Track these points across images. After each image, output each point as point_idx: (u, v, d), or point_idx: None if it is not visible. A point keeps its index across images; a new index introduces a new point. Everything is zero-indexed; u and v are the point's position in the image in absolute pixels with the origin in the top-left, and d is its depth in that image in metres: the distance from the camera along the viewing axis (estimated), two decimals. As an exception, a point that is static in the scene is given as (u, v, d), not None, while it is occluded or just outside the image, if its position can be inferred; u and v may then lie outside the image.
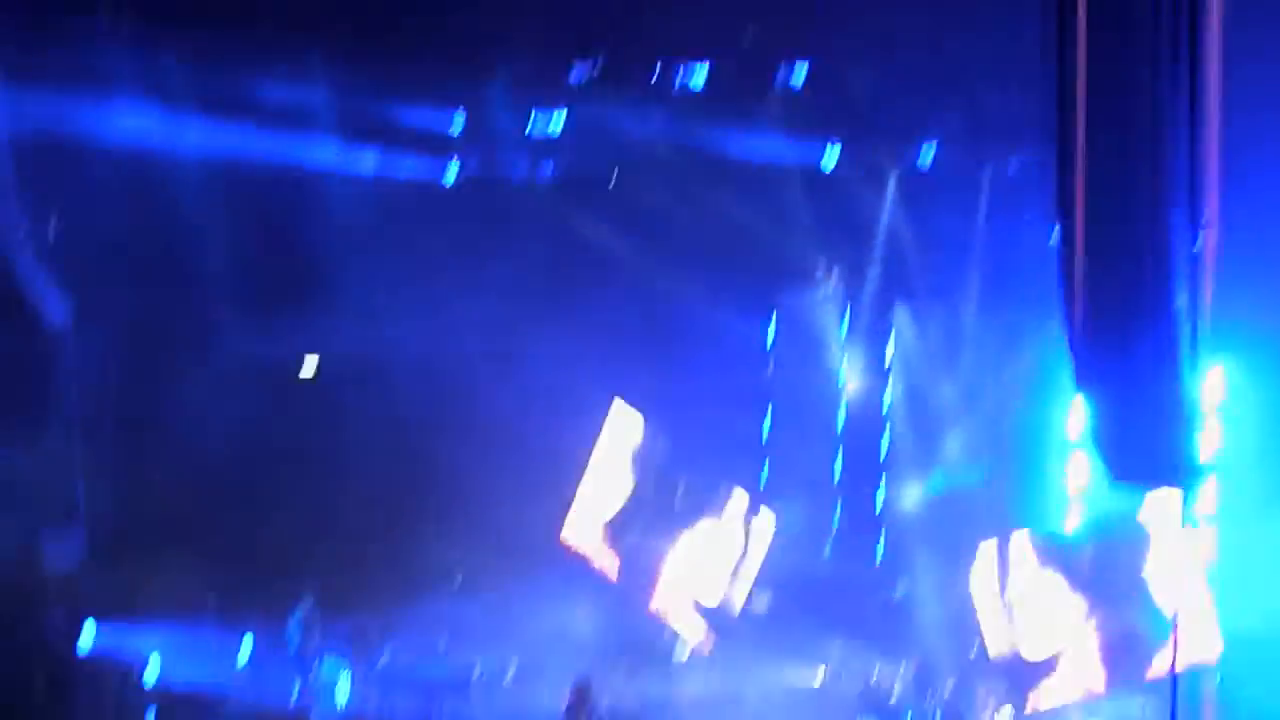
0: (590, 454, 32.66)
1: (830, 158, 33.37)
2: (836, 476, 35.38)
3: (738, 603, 30.68)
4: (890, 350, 34.94)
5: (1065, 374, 12.99)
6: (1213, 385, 27.24)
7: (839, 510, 35.27)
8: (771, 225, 33.39)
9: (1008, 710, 26.61)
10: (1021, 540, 26.97)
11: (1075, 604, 26.82)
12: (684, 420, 33.31)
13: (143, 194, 32.16)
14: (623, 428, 31.74)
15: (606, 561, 33.25)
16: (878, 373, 35.14)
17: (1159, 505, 25.31)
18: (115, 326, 32.70)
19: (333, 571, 32.26)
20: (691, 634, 30.98)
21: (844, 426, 35.45)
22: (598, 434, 32.92)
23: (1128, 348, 12.49)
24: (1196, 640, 25.21)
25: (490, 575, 32.77)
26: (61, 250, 31.83)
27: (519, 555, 32.84)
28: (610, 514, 33.01)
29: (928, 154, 32.60)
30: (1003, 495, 31.42)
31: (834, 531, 35.07)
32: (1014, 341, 31.12)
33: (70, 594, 30.44)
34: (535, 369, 33.08)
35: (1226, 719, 23.04)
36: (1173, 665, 22.70)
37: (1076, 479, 30.26)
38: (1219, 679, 23.22)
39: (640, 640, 31.99)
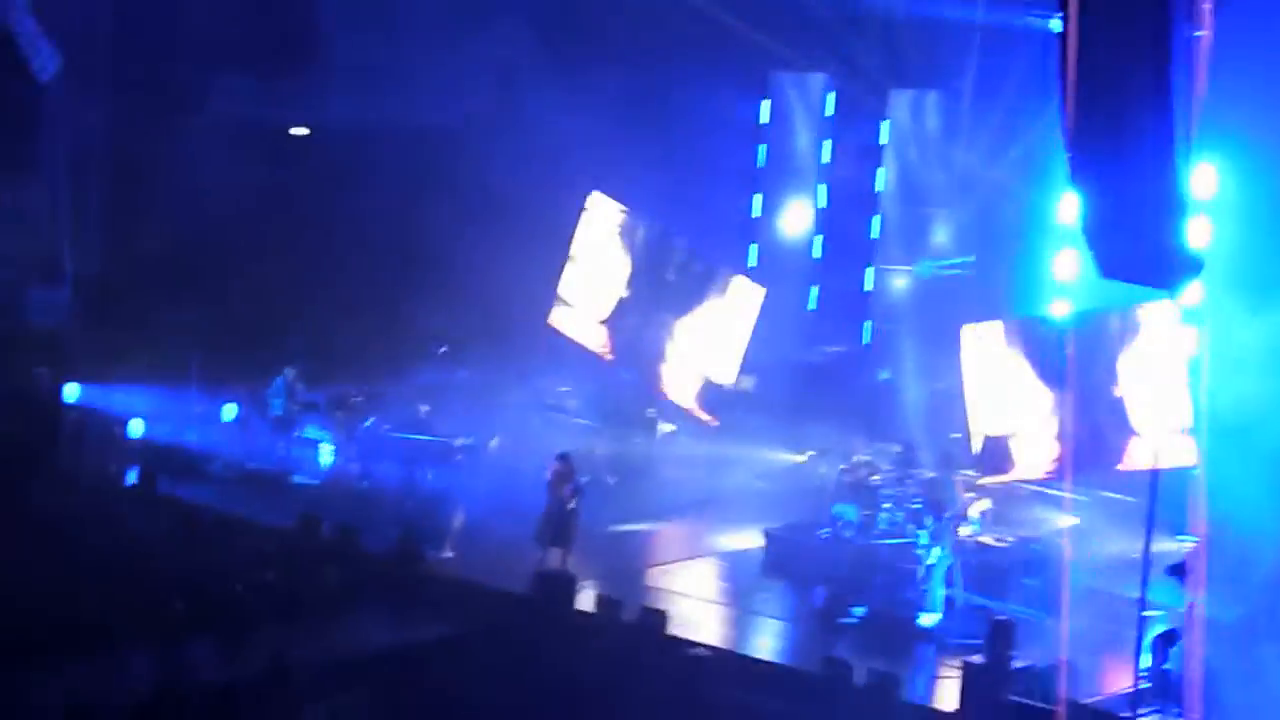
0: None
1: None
2: (816, 253, 35.38)
3: (727, 381, 30.75)
4: (884, 133, 34.76)
5: (1060, 165, 12.88)
6: (1204, 181, 27.10)
7: (817, 290, 35.31)
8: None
9: (985, 503, 26.77)
10: (1002, 325, 26.95)
11: (1044, 389, 26.84)
12: (675, 200, 33.18)
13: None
14: (602, 218, 31.65)
15: (597, 342, 33.32)
16: (870, 155, 34.98)
17: (1147, 299, 25.29)
18: (106, 81, 32.43)
19: (318, 337, 32.31)
20: (684, 410, 31.15)
21: (829, 206, 35.37)
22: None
23: (1123, 141, 12.39)
24: (1177, 438, 25.29)
25: (475, 348, 32.85)
26: (56, -1, 31.44)
27: (505, 330, 32.93)
28: (601, 300, 33.05)
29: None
30: (991, 282, 31.38)
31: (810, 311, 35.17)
32: (1009, 130, 30.90)
33: (55, 349, 30.48)
34: (528, 140, 32.90)
35: (1210, 514, 23.23)
36: (1154, 463, 22.76)
37: (1065, 269, 30.19)
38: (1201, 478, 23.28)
39: (624, 415, 32.14)
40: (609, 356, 32.64)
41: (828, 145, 35.52)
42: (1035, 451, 26.39)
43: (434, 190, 33.53)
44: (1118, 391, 26.48)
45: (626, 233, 31.30)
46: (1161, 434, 25.48)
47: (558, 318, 31.67)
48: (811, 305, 35.45)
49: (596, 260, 31.48)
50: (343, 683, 21.18)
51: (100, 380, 30.35)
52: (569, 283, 31.61)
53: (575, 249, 31.52)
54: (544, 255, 31.79)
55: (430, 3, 33.45)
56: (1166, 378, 26.04)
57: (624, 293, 32.06)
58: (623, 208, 30.92)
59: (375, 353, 32.05)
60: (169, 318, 31.09)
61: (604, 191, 31.10)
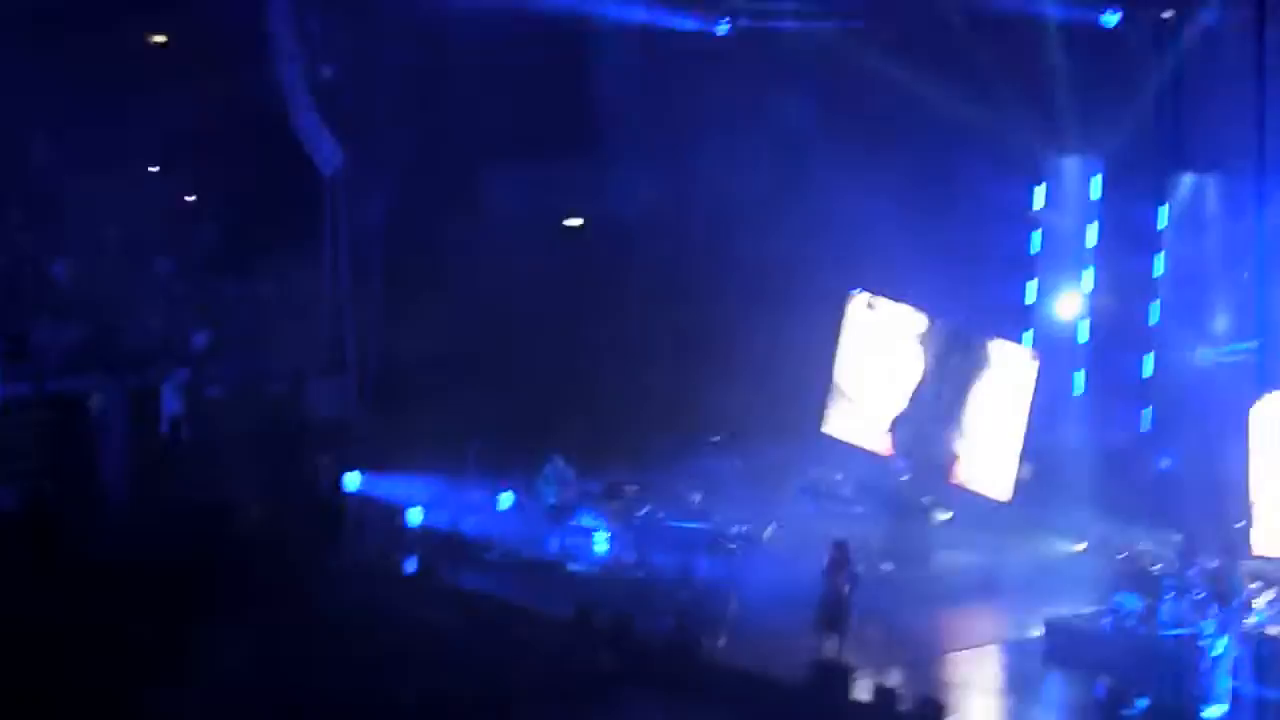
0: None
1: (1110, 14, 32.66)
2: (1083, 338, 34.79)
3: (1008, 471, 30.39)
4: (1163, 217, 34.15)
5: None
6: None
7: (1083, 375, 34.69)
8: (1042, 84, 32.78)
9: (1272, 593, 26.11)
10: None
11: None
12: (951, 288, 33.06)
13: (424, 39, 32.45)
14: (869, 314, 31.78)
15: (875, 438, 33.42)
16: (1147, 239, 34.37)
17: None
18: (388, 174, 33.13)
19: (594, 426, 32.55)
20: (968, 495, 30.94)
21: (1097, 290, 34.77)
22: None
23: None
24: None
25: (749, 436, 32.84)
26: (339, 93, 32.19)
27: (780, 419, 32.94)
28: (881, 396, 33.27)
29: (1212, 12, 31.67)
30: (1274, 366, 30.66)
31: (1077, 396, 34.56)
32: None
33: (337, 438, 31.10)
34: (808, 227, 32.99)
35: None
36: None
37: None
38: None
39: (899, 503, 31.86)
40: (888, 452, 32.68)
41: (1093, 229, 34.92)
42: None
43: (711, 278, 33.72)
44: None
45: (906, 328, 31.39)
46: None
47: (834, 420, 32.02)
48: (1078, 390, 34.77)
49: (874, 357, 31.62)
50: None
51: (380, 469, 30.90)
52: (843, 381, 31.72)
53: (844, 346, 31.64)
54: (820, 344, 31.83)
55: (713, 85, 33.71)
56: None
57: (907, 387, 32.15)
58: (898, 303, 30.92)
59: (650, 441, 32.20)
60: (447, 406, 31.49)
61: (880, 279, 31.12)
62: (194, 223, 35.39)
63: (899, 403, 34.07)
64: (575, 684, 23.54)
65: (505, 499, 31.38)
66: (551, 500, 31.08)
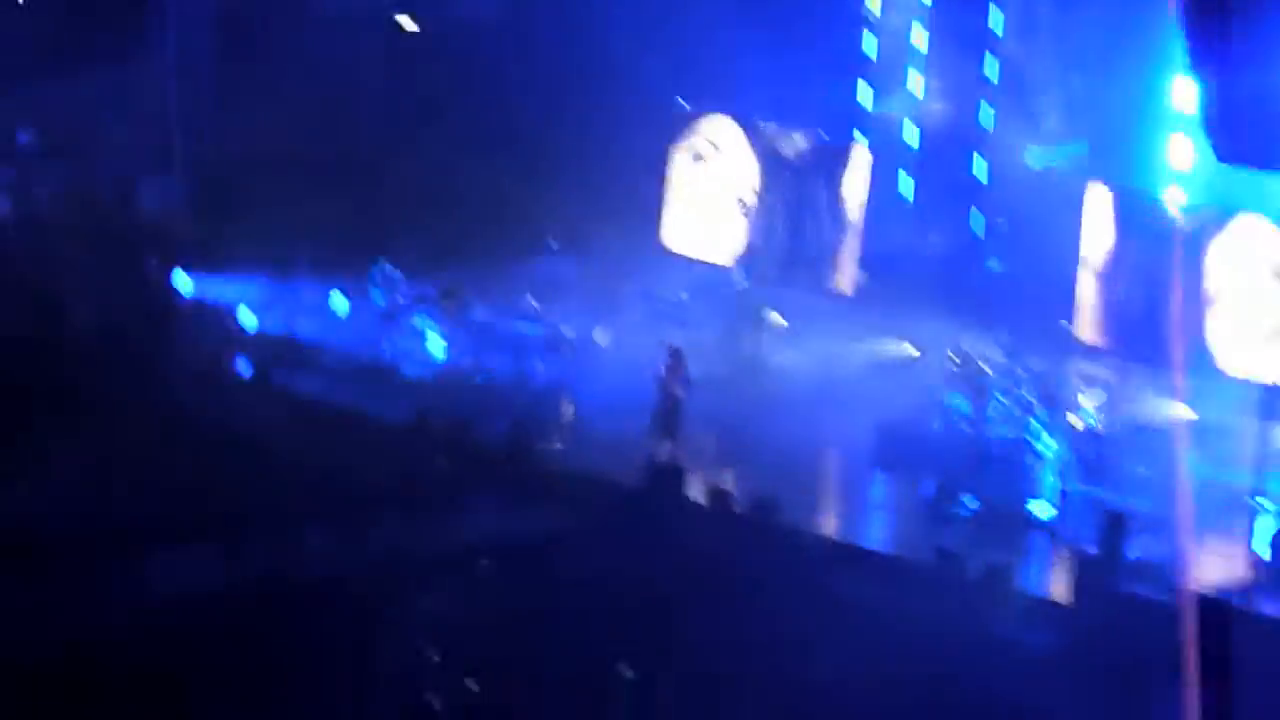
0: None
1: None
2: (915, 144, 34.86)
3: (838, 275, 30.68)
4: (993, 18, 34.19)
5: (1176, 47, 12.64)
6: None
7: (913, 180, 34.79)
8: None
9: (1099, 393, 26.52)
10: (1111, 204, 26.63)
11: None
12: (786, 92, 33.04)
13: None
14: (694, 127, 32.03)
15: (714, 246, 33.58)
16: (978, 42, 34.38)
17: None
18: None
19: (427, 227, 32.26)
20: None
21: (927, 97, 34.80)
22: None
23: (1242, 20, 12.14)
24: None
25: (587, 242, 32.74)
26: None
27: (617, 225, 32.88)
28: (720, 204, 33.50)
29: None
30: (1104, 170, 30.93)
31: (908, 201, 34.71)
32: (1123, 11, 30.32)
33: (166, 240, 30.64)
34: (641, 27, 32.76)
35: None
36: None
37: (1180, 156, 29.73)
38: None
39: (735, 309, 31.97)
40: (727, 261, 32.79)
41: (923, 34, 34.83)
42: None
43: (548, 81, 33.34)
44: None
45: (735, 135, 31.51)
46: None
47: (672, 231, 32.13)
48: (908, 194, 34.85)
49: (707, 165, 31.73)
50: (452, 574, 21.26)
51: (210, 271, 30.51)
52: (680, 191, 31.77)
53: (678, 157, 31.68)
54: (657, 154, 31.79)
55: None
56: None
57: (743, 194, 32.29)
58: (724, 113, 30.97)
59: (485, 244, 31.97)
60: (278, 208, 31.10)
61: (714, 87, 31.07)
62: (15, 18, 34.43)
63: (735, 211, 34.07)
64: (413, 489, 23.52)
65: (338, 302, 31.08)
66: (380, 304, 30.83)
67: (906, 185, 34.45)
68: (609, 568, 21.34)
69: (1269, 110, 12.35)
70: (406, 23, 34.97)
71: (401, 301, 30.62)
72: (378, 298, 30.68)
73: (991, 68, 33.91)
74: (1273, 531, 22.32)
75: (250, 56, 32.61)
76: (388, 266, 30.72)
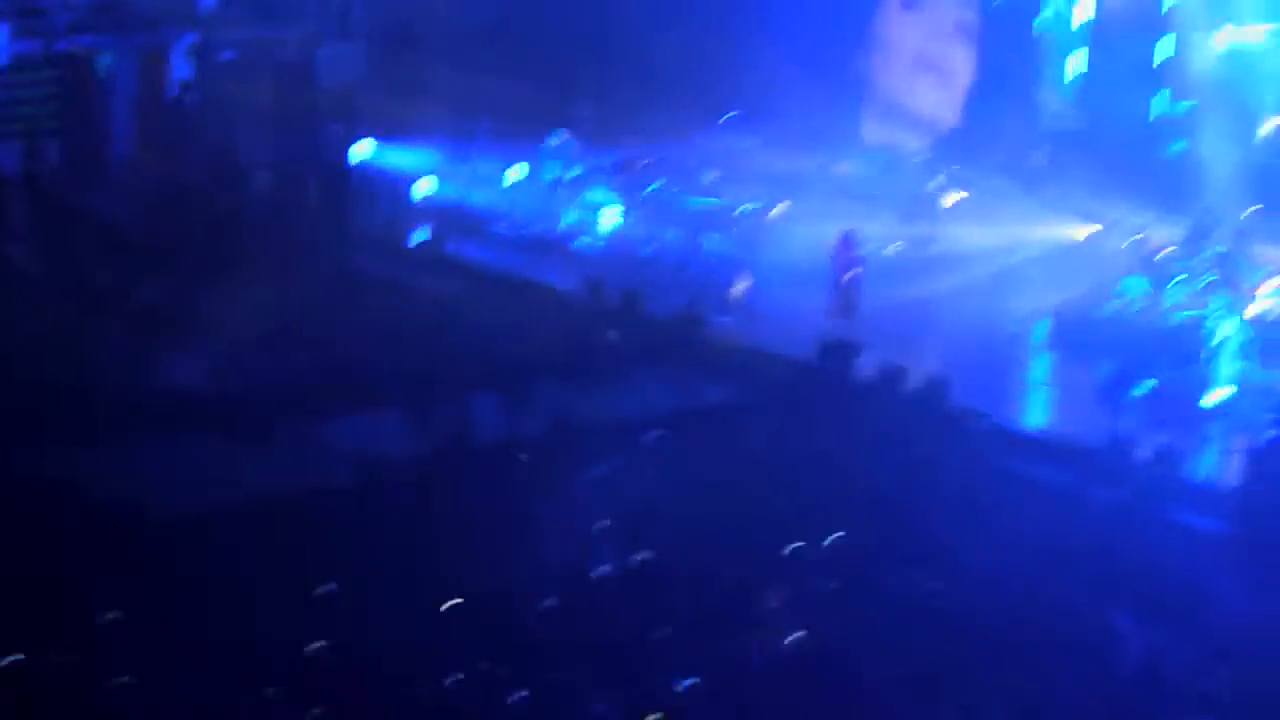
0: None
1: None
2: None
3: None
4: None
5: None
6: None
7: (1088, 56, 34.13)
8: None
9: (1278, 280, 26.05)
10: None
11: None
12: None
13: None
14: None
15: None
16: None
17: None
18: None
19: (607, 101, 32.17)
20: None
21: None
22: None
23: None
24: None
25: (765, 115, 32.53)
26: None
27: (797, 99, 32.69)
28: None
29: None
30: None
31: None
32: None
33: (346, 107, 30.79)
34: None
35: None
36: None
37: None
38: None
39: (911, 187, 31.71)
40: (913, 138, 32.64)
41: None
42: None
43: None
44: None
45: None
46: None
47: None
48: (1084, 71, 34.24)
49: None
50: (624, 445, 21.33)
51: (389, 138, 30.65)
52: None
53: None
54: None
55: None
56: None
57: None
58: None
59: (663, 117, 31.82)
60: (457, 78, 31.11)
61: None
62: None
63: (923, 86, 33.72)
64: (582, 359, 23.62)
65: (514, 172, 31.10)
66: (556, 174, 30.82)
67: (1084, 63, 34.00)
68: (781, 443, 21.33)
69: None
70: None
71: (579, 172, 30.61)
72: (555, 169, 30.67)
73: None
74: None
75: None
76: (566, 135, 30.68)
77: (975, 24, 33.55)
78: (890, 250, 29.56)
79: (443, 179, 30.47)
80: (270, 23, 31.79)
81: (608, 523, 17.81)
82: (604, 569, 17.07)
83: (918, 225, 30.70)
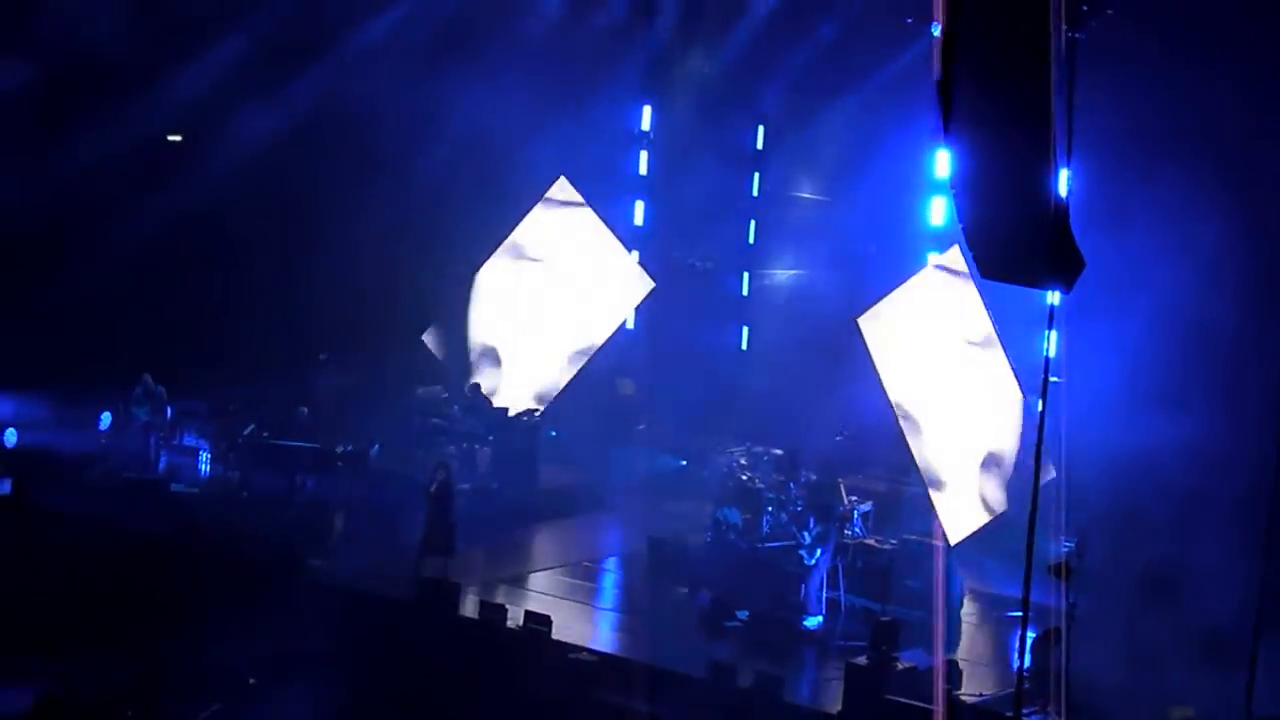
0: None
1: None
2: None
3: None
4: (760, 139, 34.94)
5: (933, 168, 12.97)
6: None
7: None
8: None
9: (867, 506, 26.86)
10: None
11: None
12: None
13: None
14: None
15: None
16: (745, 161, 35.02)
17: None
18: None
19: (197, 343, 31.77)
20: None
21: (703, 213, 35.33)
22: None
23: (1000, 143, 12.47)
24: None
25: (357, 354, 32.50)
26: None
27: (389, 337, 32.80)
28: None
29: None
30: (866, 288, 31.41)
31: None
32: (883, 131, 30.96)
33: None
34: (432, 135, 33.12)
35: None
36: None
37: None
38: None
39: (506, 419, 32.00)
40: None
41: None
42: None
43: (309, 200, 32.90)
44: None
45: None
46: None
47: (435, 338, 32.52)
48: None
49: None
50: (223, 690, 21.03)
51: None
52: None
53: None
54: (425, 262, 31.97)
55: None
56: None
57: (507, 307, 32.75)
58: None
59: (254, 359, 31.50)
60: (38, 323, 30.34)
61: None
62: None
63: (499, 323, 34.02)
64: (179, 603, 23.29)
65: (104, 418, 30.52)
66: (144, 419, 30.33)
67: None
68: (381, 684, 21.23)
69: (1030, 226, 12.61)
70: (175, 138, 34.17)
71: (163, 416, 30.20)
72: (141, 414, 30.16)
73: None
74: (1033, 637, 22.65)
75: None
76: (150, 380, 30.18)
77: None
78: (489, 485, 29.89)
79: (28, 427, 29.69)
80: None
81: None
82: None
83: (513, 458, 31.03)
